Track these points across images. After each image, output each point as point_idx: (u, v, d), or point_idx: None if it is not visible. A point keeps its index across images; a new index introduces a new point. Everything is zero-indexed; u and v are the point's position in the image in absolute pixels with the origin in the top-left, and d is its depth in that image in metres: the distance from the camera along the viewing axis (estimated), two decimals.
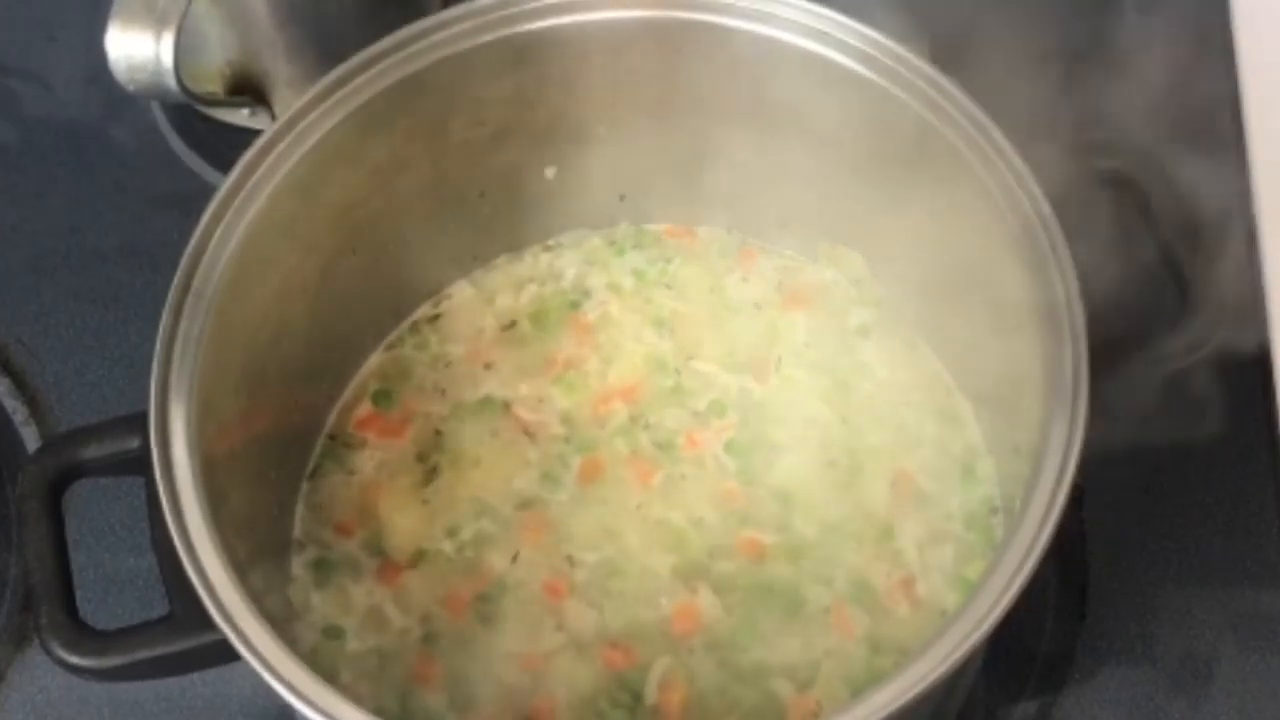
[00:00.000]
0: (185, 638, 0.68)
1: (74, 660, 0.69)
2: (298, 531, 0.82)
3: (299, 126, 0.77)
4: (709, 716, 0.76)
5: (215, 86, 0.99)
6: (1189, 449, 0.88)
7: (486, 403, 0.85)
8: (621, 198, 0.89)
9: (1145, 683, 0.83)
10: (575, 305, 0.88)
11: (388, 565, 0.80)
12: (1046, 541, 0.65)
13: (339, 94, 0.78)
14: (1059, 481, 0.66)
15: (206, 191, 0.75)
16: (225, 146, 1.00)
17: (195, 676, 0.78)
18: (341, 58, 0.78)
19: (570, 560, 0.80)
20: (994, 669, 0.80)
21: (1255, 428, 0.87)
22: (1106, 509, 0.86)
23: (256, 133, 0.77)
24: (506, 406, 0.85)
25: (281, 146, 0.76)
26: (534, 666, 0.77)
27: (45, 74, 1.06)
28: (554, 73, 0.82)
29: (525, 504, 0.82)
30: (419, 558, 0.80)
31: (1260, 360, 0.86)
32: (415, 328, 0.88)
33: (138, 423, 0.71)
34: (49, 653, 0.69)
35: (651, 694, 0.76)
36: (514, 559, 0.80)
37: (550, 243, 0.90)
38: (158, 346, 0.71)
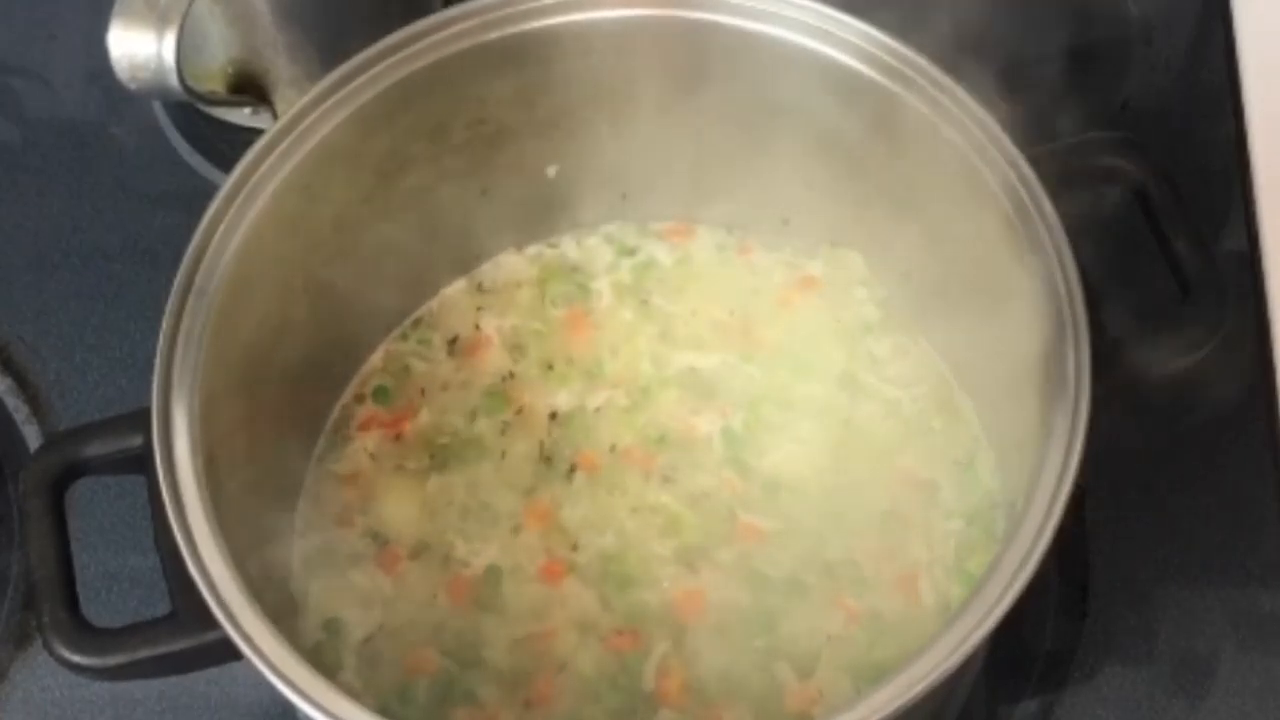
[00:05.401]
0: (188, 636, 0.68)
1: (76, 659, 0.69)
2: (299, 524, 0.82)
3: (301, 125, 0.77)
4: (709, 702, 0.76)
5: (217, 85, 0.99)
6: (1189, 448, 0.88)
7: (487, 396, 0.85)
8: (623, 196, 0.89)
9: (1146, 681, 0.83)
10: (576, 302, 0.88)
11: (388, 555, 0.81)
12: (1049, 539, 0.65)
13: (341, 93, 0.78)
14: (1061, 478, 0.66)
15: (208, 190, 0.75)
16: (227, 145, 1.00)
17: (198, 675, 0.78)
18: (343, 57, 0.78)
19: (571, 547, 0.80)
20: (995, 667, 0.80)
21: (1255, 428, 0.87)
22: (1107, 508, 0.86)
23: (258, 132, 0.77)
24: (507, 399, 0.85)
25: (283, 145, 0.76)
26: (535, 651, 0.77)
27: (46, 73, 1.06)
28: (555, 72, 0.82)
29: (526, 493, 0.82)
30: (420, 548, 0.81)
31: (1260, 360, 0.86)
32: (416, 324, 0.88)
33: (140, 421, 0.71)
34: (51, 651, 0.69)
35: (650, 678, 0.76)
36: (514, 547, 0.80)
37: (551, 240, 0.90)
38: (160, 344, 0.71)
